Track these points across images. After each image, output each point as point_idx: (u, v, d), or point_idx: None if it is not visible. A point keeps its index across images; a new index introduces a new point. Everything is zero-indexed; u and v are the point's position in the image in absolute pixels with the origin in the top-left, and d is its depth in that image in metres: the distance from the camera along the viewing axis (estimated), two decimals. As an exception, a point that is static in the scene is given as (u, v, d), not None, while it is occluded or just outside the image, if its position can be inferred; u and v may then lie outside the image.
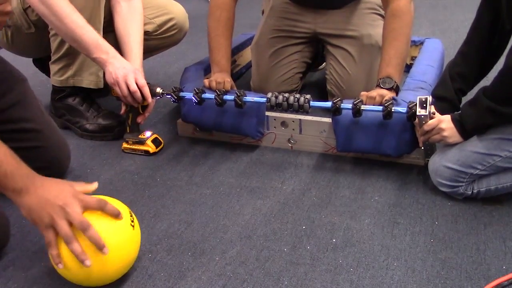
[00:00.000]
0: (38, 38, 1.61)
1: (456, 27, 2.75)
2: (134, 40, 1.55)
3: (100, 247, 0.90)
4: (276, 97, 1.39)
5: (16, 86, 1.26)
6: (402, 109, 1.26)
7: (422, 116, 1.21)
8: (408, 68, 1.75)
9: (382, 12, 1.65)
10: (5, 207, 1.24)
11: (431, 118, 1.21)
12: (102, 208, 0.94)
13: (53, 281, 1.02)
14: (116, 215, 0.95)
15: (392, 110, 1.27)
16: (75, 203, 0.91)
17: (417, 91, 1.41)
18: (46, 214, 0.90)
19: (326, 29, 1.71)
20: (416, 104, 1.22)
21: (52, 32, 1.53)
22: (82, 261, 0.89)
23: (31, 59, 1.90)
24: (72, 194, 0.92)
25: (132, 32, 1.56)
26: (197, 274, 1.03)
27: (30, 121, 1.27)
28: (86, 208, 0.93)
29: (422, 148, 1.31)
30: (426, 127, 1.22)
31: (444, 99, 1.26)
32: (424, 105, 1.21)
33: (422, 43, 1.96)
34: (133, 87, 1.41)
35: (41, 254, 1.10)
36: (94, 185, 1.00)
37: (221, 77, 1.50)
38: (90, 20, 1.41)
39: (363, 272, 1.01)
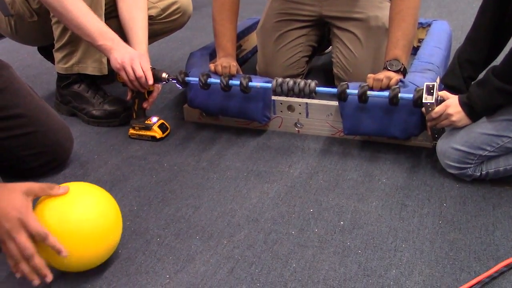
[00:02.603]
0: (41, 26, 1.61)
1: (464, 8, 2.72)
2: (138, 25, 1.54)
3: (42, 275, 0.89)
4: (282, 84, 1.38)
5: (0, 72, 1.25)
6: (409, 95, 1.25)
7: (429, 104, 1.20)
8: (415, 50, 1.73)
9: (389, -7, 1.63)
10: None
11: (438, 104, 1.20)
12: (44, 239, 0.89)
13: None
14: (58, 251, 0.89)
15: (398, 97, 1.26)
16: (20, 230, 0.87)
17: (425, 73, 1.40)
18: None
19: (332, 12, 1.69)
20: (422, 91, 1.21)
21: (54, 20, 1.53)
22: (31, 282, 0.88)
23: (36, 47, 1.90)
24: (18, 218, 0.87)
25: (136, 17, 1.55)
26: (205, 257, 1.03)
27: (19, 107, 1.26)
28: (30, 232, 0.88)
29: (430, 134, 1.30)
30: (433, 114, 1.21)
31: (453, 88, 1.26)
32: (432, 91, 1.20)
33: (429, 25, 1.94)
34: (139, 72, 1.40)
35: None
36: (61, 190, 0.95)
37: (226, 62, 1.49)
38: (91, 6, 1.41)
39: (371, 254, 1.01)
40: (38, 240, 0.89)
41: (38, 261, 0.89)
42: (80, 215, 0.93)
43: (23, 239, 0.88)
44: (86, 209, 0.95)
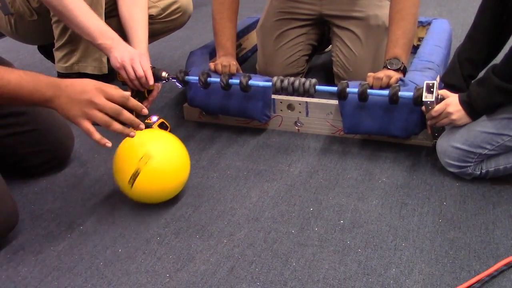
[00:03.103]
0: (41, 25, 1.61)
1: (464, 7, 2.72)
2: (139, 25, 1.54)
3: (136, 125, 1.06)
4: (282, 82, 1.38)
5: None
6: (409, 94, 1.25)
7: (429, 102, 1.20)
8: (415, 49, 1.73)
9: (389, -8, 1.62)
10: (15, 194, 1.25)
11: (438, 102, 1.20)
12: (125, 103, 1.05)
13: (62, 265, 1.03)
14: (140, 109, 1.08)
15: (398, 95, 1.26)
16: (99, 96, 1.02)
17: (425, 72, 1.40)
18: (77, 109, 1.02)
19: (332, 11, 1.69)
20: (422, 90, 1.21)
21: (54, 19, 1.53)
22: (128, 135, 1.06)
23: (36, 46, 1.90)
24: (96, 88, 1.02)
25: (136, 16, 1.55)
26: (205, 256, 1.03)
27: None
28: (109, 99, 1.03)
29: (430, 133, 1.30)
30: (433, 112, 1.20)
31: (453, 87, 1.26)
32: (431, 89, 1.20)
33: (429, 23, 1.94)
34: (140, 72, 1.40)
35: (50, 238, 1.11)
36: (127, 93, 1.07)
37: (226, 61, 1.49)
38: (92, 5, 1.41)
39: (371, 253, 1.01)
40: (121, 102, 1.04)
41: (128, 114, 1.05)
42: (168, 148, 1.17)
43: (107, 102, 1.02)
44: (173, 144, 1.19)
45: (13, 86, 0.99)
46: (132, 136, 1.07)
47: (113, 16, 1.61)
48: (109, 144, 1.05)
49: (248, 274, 0.98)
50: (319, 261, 1.00)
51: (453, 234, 1.05)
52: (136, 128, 1.07)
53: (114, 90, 1.05)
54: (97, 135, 1.04)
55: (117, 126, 1.05)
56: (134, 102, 1.07)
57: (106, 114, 1.03)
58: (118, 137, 1.09)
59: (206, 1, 2.94)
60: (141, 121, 1.49)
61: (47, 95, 1.01)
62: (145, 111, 1.08)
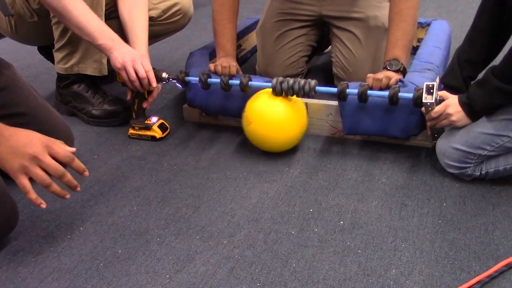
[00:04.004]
0: (41, 27, 1.61)
1: (463, 8, 2.72)
2: (139, 26, 1.54)
3: (73, 187, 1.01)
4: (281, 83, 1.38)
5: (2, 71, 1.25)
6: (408, 95, 1.25)
7: (429, 103, 1.20)
8: (414, 50, 1.73)
9: (388, -7, 1.63)
10: (15, 195, 1.25)
11: (438, 104, 1.20)
12: (69, 163, 1.00)
13: (62, 266, 1.03)
14: (82, 171, 1.03)
15: (398, 96, 1.26)
16: (44, 152, 0.96)
17: (424, 73, 1.40)
18: (17, 163, 0.96)
19: (332, 12, 1.69)
20: (422, 91, 1.21)
21: (54, 20, 1.53)
22: (63, 197, 1.01)
23: (36, 47, 1.90)
24: (41, 142, 0.97)
25: (137, 17, 1.55)
26: (205, 257, 1.03)
27: (20, 105, 1.25)
28: (54, 157, 0.97)
29: (429, 134, 1.30)
30: (433, 113, 1.21)
31: (453, 88, 1.26)
32: (431, 91, 1.20)
33: (428, 24, 1.94)
34: (142, 73, 1.40)
35: (50, 239, 1.11)
36: (72, 149, 1.04)
37: (226, 62, 1.50)
38: (92, 7, 1.41)
39: (371, 254, 1.01)
40: (65, 162, 0.99)
41: (69, 176, 0.99)
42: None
43: (51, 161, 0.97)
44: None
45: None
46: (67, 198, 1.02)
47: (113, 18, 1.61)
48: (43, 205, 0.99)
49: (248, 275, 0.98)
50: (319, 262, 1.00)
51: (453, 235, 1.05)
52: (74, 189, 1.02)
53: (60, 148, 0.99)
54: (33, 195, 0.98)
55: (55, 188, 0.99)
56: (77, 163, 1.01)
57: (47, 173, 0.97)
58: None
59: (206, 2, 2.95)
60: (141, 122, 1.51)
61: None
62: (86, 173, 1.03)
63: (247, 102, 1.38)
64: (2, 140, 0.96)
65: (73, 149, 1.01)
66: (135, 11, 1.55)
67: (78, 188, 1.02)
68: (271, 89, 1.35)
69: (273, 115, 1.34)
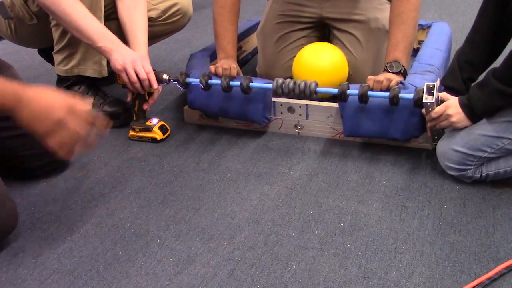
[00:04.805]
0: (41, 29, 1.61)
1: (464, 10, 2.72)
2: (138, 27, 1.54)
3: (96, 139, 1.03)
4: (282, 85, 1.38)
5: (3, 72, 1.25)
6: (409, 96, 1.26)
7: (429, 104, 1.20)
8: (415, 52, 1.74)
9: (389, -5, 1.63)
10: (15, 196, 1.25)
11: (439, 104, 1.20)
12: (93, 121, 1.00)
13: (62, 267, 1.03)
14: (106, 126, 1.07)
15: (399, 97, 1.26)
16: (67, 116, 0.95)
17: (425, 75, 1.40)
18: (41, 129, 0.95)
19: (333, 14, 1.69)
20: (423, 91, 1.21)
21: (53, 23, 1.53)
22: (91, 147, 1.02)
23: (36, 49, 1.90)
24: (64, 106, 0.95)
25: (136, 19, 1.55)
26: (205, 259, 1.03)
27: None
28: (79, 117, 0.97)
29: (430, 136, 1.30)
30: (433, 114, 1.21)
31: (453, 89, 1.26)
32: (432, 91, 1.20)
33: (429, 26, 1.94)
34: (142, 74, 1.40)
35: (50, 241, 1.11)
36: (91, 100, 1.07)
37: (227, 63, 1.50)
38: (91, 9, 1.41)
39: (372, 256, 1.01)
40: (90, 121, 0.99)
41: (93, 134, 1.00)
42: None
43: (75, 124, 0.96)
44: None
45: None
46: (95, 147, 1.04)
47: (112, 19, 1.61)
48: (71, 157, 1.01)
49: (248, 277, 0.98)
50: (320, 264, 1.00)
51: (453, 237, 1.05)
52: (100, 139, 1.06)
53: (82, 108, 0.98)
54: (62, 152, 0.98)
55: (81, 145, 1.00)
56: (101, 120, 1.04)
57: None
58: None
59: (206, 4, 2.95)
60: (142, 123, 1.51)
61: (7, 106, 0.92)
62: (108, 127, 1.06)
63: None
64: (23, 105, 0.93)
65: (91, 100, 1.04)
66: (134, 12, 1.55)
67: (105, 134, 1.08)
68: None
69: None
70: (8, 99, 0.92)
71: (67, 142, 0.97)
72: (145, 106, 1.53)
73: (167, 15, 1.73)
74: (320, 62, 1.59)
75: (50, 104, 0.95)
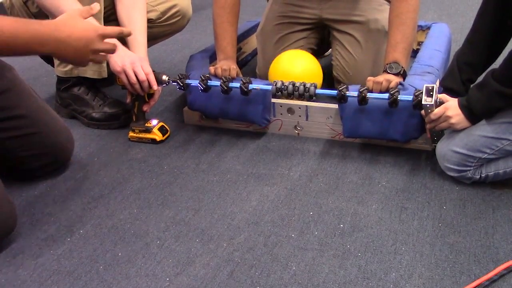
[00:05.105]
0: None
1: (463, 11, 2.73)
2: (137, 28, 1.54)
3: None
4: (281, 88, 1.38)
5: (4, 74, 1.25)
6: (408, 97, 1.26)
7: (428, 105, 1.20)
8: (415, 53, 1.74)
9: (388, -4, 1.63)
10: (15, 197, 1.25)
11: (438, 106, 1.20)
12: (118, 34, 1.20)
13: (62, 268, 1.03)
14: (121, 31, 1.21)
15: (398, 98, 1.26)
16: (100, 42, 1.12)
17: (424, 76, 1.40)
18: (82, 58, 1.11)
19: (332, 15, 1.69)
20: (422, 93, 1.21)
21: None
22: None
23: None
24: (97, 35, 1.11)
25: (135, 20, 1.55)
26: (205, 260, 1.03)
27: (21, 108, 1.25)
28: (107, 38, 1.14)
29: (429, 137, 1.30)
30: (432, 116, 1.21)
31: (452, 90, 1.26)
32: (431, 93, 1.20)
33: (428, 27, 1.94)
34: (142, 76, 1.40)
35: (50, 242, 1.11)
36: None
37: (226, 64, 1.50)
38: None
39: (371, 257, 1.01)
40: (116, 35, 1.19)
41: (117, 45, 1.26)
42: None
43: (105, 44, 1.14)
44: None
45: (6, 36, 0.97)
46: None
47: (112, 21, 1.61)
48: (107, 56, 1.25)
49: (248, 278, 0.98)
50: (319, 265, 1.00)
51: (453, 238, 1.05)
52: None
53: (110, 30, 1.15)
54: (105, 58, 1.22)
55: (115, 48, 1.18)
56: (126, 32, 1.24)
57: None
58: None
59: (205, 5, 2.95)
60: (141, 125, 1.51)
61: (47, 48, 1.04)
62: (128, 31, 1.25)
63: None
64: (62, 46, 1.05)
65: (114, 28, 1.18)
66: (134, 13, 1.55)
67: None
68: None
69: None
70: (48, 42, 1.03)
71: (102, 58, 1.17)
72: (145, 108, 1.53)
73: (166, 16, 1.73)
74: (295, 69, 1.60)
75: (86, 37, 1.08)
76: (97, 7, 1.15)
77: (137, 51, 1.48)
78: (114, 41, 1.40)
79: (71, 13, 1.10)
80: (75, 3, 1.35)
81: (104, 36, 1.13)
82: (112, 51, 1.17)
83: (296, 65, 1.62)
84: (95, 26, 1.14)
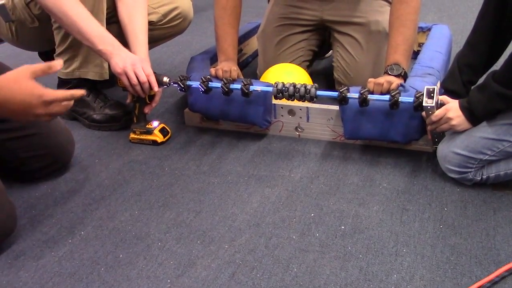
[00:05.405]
0: (42, 32, 1.61)
1: (464, 12, 2.73)
2: (139, 30, 1.54)
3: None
4: (282, 90, 1.38)
5: None
6: (409, 99, 1.26)
7: (429, 107, 1.20)
8: (415, 54, 1.74)
9: (389, -2, 1.63)
10: (15, 198, 1.25)
11: (439, 107, 1.21)
12: (68, 98, 1.08)
13: (63, 270, 1.03)
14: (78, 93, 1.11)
15: (399, 100, 1.26)
16: (43, 108, 1.03)
17: (425, 77, 1.40)
18: (26, 119, 1.10)
19: (333, 16, 1.69)
20: (423, 95, 1.21)
21: (55, 25, 1.53)
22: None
23: (36, 52, 1.90)
24: (39, 101, 1.02)
25: (136, 21, 1.55)
26: (206, 262, 1.03)
27: None
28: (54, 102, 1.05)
29: (430, 138, 1.30)
30: (433, 117, 1.21)
31: (453, 92, 1.26)
32: (432, 95, 1.20)
33: (429, 29, 1.94)
34: (142, 77, 1.40)
35: (51, 244, 1.11)
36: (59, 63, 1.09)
37: (227, 66, 1.50)
38: (93, 12, 1.41)
39: (372, 259, 1.01)
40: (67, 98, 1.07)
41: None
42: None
43: (50, 112, 1.05)
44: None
45: None
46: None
47: (113, 22, 1.61)
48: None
49: (249, 280, 0.98)
50: (320, 267, 1.00)
51: (454, 240, 1.05)
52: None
53: (60, 95, 1.05)
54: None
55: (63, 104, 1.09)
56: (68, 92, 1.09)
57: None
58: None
59: (206, 7, 2.95)
60: (142, 126, 1.51)
61: None
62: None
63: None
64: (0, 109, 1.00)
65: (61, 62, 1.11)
66: (135, 15, 1.55)
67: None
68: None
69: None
70: None
71: (47, 120, 1.10)
72: (146, 109, 1.53)
73: (167, 19, 1.73)
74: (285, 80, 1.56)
75: (27, 103, 1.00)
76: (57, 65, 1.07)
77: (138, 52, 1.48)
78: (114, 42, 1.41)
79: (19, 73, 1.01)
80: (77, 4, 1.35)
81: (50, 102, 1.03)
82: (61, 113, 1.08)
83: (285, 78, 1.53)
84: (41, 91, 1.02)
